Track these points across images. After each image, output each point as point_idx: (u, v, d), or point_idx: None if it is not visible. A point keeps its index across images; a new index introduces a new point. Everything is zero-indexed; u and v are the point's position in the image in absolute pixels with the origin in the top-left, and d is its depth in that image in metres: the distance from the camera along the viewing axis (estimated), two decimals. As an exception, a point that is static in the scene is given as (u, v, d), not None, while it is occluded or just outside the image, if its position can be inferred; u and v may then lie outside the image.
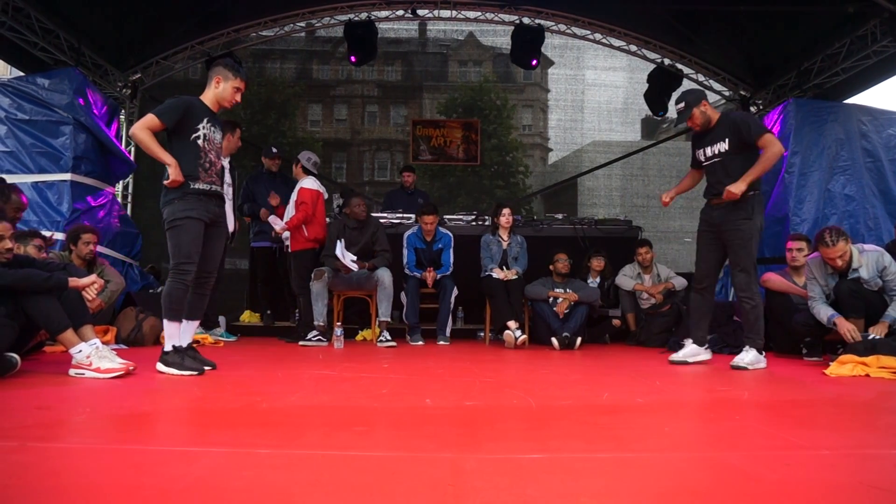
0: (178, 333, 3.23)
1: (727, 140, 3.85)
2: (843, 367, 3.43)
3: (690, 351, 4.02)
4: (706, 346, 4.09)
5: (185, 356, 3.17)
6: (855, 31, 5.87)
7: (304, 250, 5.34)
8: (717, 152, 3.91)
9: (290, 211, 5.44)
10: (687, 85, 7.98)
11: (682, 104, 3.97)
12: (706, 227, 4.02)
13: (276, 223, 5.44)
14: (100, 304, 4.18)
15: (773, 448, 1.79)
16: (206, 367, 3.28)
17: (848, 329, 3.74)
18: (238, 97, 3.45)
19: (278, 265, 6.09)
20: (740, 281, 3.86)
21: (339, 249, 5.09)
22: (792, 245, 4.76)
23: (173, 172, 3.13)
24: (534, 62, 7.76)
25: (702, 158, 4.02)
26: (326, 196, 5.73)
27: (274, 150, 6.02)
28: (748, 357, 3.74)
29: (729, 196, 3.70)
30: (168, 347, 3.17)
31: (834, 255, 3.93)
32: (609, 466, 1.56)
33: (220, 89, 3.37)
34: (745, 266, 3.83)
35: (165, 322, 3.23)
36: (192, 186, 3.23)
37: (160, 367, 3.11)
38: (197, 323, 3.51)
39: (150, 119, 3.17)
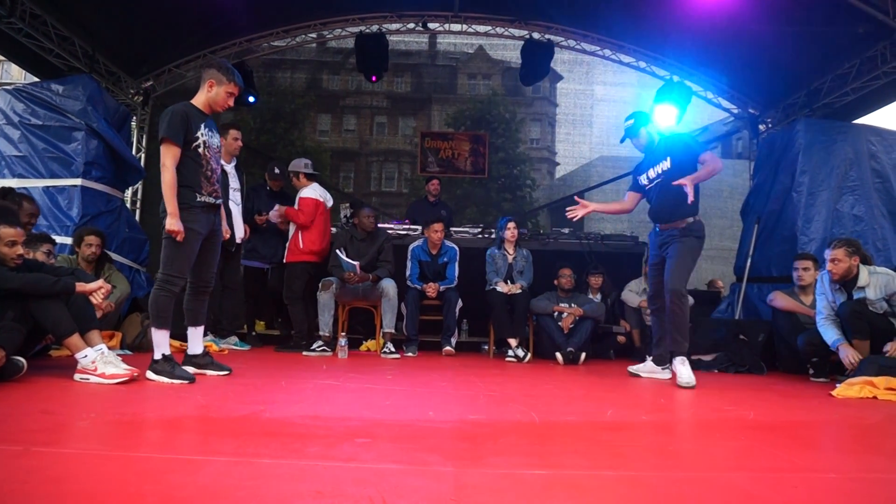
0: (165, 341, 3.19)
1: (668, 158, 3.91)
2: (851, 388, 3.40)
3: (648, 367, 4.08)
4: (665, 366, 4.01)
5: (176, 365, 3.14)
6: (865, 52, 5.88)
7: (298, 262, 5.32)
8: (659, 172, 3.96)
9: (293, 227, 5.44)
10: (696, 102, 8.00)
11: (632, 121, 4.06)
12: (656, 250, 4.01)
13: (274, 215, 5.46)
14: (109, 305, 4.18)
15: (779, 470, 1.78)
16: (224, 372, 3.37)
17: (850, 357, 3.73)
18: (231, 101, 3.39)
19: (268, 282, 5.90)
20: (676, 287, 3.71)
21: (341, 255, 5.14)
22: (798, 264, 4.75)
23: (171, 223, 3.09)
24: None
25: (645, 182, 4.08)
26: (331, 204, 5.69)
27: (277, 170, 5.80)
28: (683, 367, 3.67)
29: (682, 183, 3.58)
30: (157, 356, 3.13)
31: (830, 258, 3.97)
32: (612, 484, 1.55)
33: (213, 93, 3.32)
34: (681, 275, 3.74)
35: (153, 330, 3.20)
36: (197, 199, 3.21)
37: (149, 374, 3.09)
38: (202, 329, 3.51)
39: (173, 150, 3.13)
